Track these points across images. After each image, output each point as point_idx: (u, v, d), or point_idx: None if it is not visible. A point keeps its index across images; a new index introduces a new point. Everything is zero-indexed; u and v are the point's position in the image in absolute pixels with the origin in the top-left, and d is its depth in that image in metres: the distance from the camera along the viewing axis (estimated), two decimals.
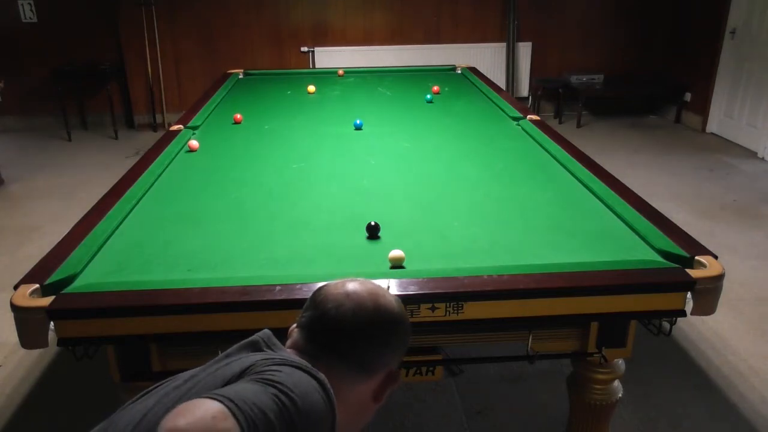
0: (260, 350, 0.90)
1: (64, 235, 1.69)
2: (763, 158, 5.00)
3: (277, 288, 1.38)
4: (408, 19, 5.97)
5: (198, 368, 0.90)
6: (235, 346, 0.92)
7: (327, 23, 5.93)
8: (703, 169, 4.79)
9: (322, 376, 0.85)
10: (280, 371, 0.81)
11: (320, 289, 0.98)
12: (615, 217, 1.81)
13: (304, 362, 0.86)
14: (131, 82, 5.92)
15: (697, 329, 2.71)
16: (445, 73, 4.26)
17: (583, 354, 1.63)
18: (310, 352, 0.92)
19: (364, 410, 0.97)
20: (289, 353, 0.91)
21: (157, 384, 0.90)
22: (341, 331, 0.92)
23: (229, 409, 0.70)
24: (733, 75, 5.39)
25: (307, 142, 2.64)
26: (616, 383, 1.75)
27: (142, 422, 0.80)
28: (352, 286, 0.96)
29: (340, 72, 4.16)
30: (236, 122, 2.88)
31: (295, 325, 0.99)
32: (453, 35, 6.04)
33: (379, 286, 1.00)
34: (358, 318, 0.92)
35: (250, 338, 0.93)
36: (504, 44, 6.06)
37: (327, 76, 4.12)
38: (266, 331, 0.95)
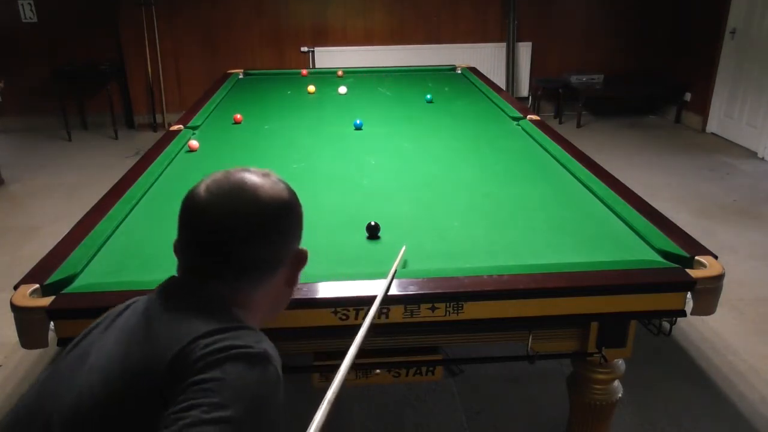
0: (157, 319, 0.84)
1: (64, 235, 1.69)
2: (763, 158, 5.00)
3: None
4: (408, 19, 5.97)
5: (87, 341, 0.89)
6: (123, 314, 0.91)
7: (327, 23, 5.93)
8: (703, 169, 4.79)
9: (262, 348, 0.80)
10: (222, 395, 0.73)
11: (185, 202, 0.91)
12: (615, 217, 1.81)
13: (237, 342, 0.79)
14: (131, 82, 5.92)
15: (697, 329, 2.71)
16: (445, 73, 4.26)
17: (583, 354, 1.63)
18: (203, 273, 0.88)
19: (281, 298, 0.96)
20: (193, 305, 0.85)
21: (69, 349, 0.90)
22: (224, 245, 0.86)
23: None
24: (733, 75, 5.39)
25: (307, 142, 2.64)
26: (616, 383, 1.75)
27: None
28: (213, 186, 0.88)
29: (340, 73, 4.15)
30: (236, 122, 2.88)
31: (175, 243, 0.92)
32: (453, 35, 6.03)
33: (240, 172, 0.91)
34: (236, 224, 0.86)
35: (141, 305, 0.90)
36: (504, 44, 6.06)
37: (326, 77, 4.12)
38: (167, 285, 0.91)
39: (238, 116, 2.92)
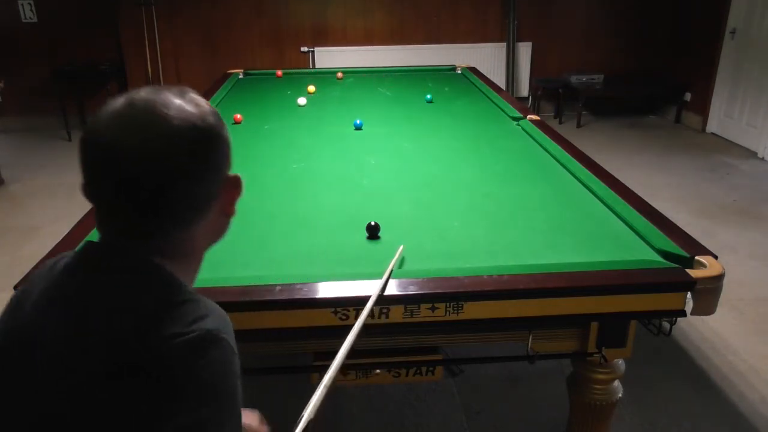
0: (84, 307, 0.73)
1: (64, 235, 1.69)
2: (763, 158, 5.00)
3: (277, 288, 1.38)
4: (408, 19, 5.97)
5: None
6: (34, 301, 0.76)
7: (327, 23, 5.93)
8: (703, 169, 4.79)
9: (203, 329, 0.72)
10: (189, 403, 0.69)
11: (84, 146, 0.74)
12: (615, 217, 1.81)
13: (179, 330, 0.70)
14: (131, 82, 5.91)
15: (697, 329, 2.71)
16: (445, 73, 4.25)
17: (583, 354, 1.63)
18: (125, 232, 0.76)
19: (217, 230, 0.86)
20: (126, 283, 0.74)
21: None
22: (145, 194, 0.72)
23: None
24: (733, 75, 5.39)
25: (307, 142, 2.64)
26: (616, 383, 1.75)
27: None
28: (117, 119, 0.73)
29: (339, 75, 4.05)
30: (236, 122, 2.88)
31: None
32: (453, 35, 6.04)
33: (146, 95, 0.75)
34: (156, 164, 0.71)
35: (56, 290, 0.76)
36: (504, 44, 6.06)
37: (326, 76, 4.12)
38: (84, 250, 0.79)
39: (238, 116, 2.92)
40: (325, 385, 0.92)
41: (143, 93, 0.75)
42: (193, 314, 0.73)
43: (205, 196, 0.77)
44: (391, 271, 1.41)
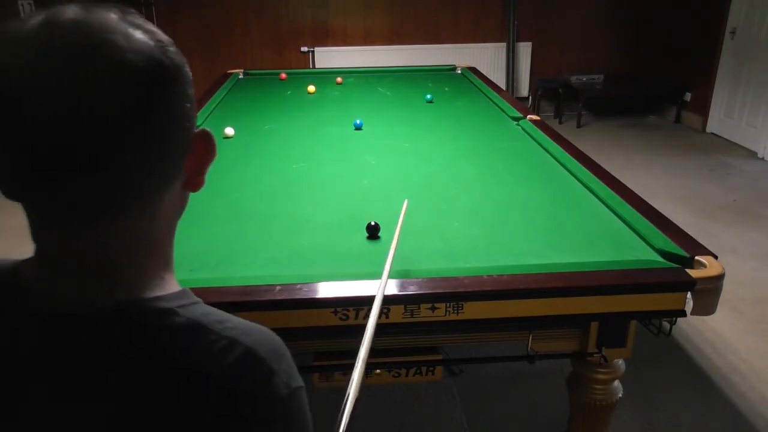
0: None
1: None
2: (763, 158, 5.00)
3: (277, 288, 1.38)
4: (408, 19, 5.97)
5: None
6: None
7: (327, 23, 5.93)
8: (703, 169, 4.79)
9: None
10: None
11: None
12: (615, 217, 1.81)
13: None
14: None
15: (697, 329, 2.71)
16: (445, 73, 4.25)
17: (583, 354, 1.63)
18: (61, 221, 0.54)
19: (180, 207, 0.64)
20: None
21: None
22: (88, 164, 0.49)
23: None
24: (733, 75, 5.39)
25: (307, 142, 2.64)
26: (616, 383, 1.75)
27: None
28: (32, 58, 0.48)
29: (339, 80, 3.89)
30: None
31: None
32: (453, 35, 6.04)
33: (76, 16, 0.50)
34: (96, 125, 0.48)
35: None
36: (504, 44, 6.07)
37: (327, 77, 4.11)
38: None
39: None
40: (355, 387, 0.83)
41: (68, 12, 0.50)
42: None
43: (173, 161, 0.56)
44: (399, 233, 1.39)
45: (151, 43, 0.52)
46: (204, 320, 0.57)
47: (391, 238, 1.39)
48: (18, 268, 0.60)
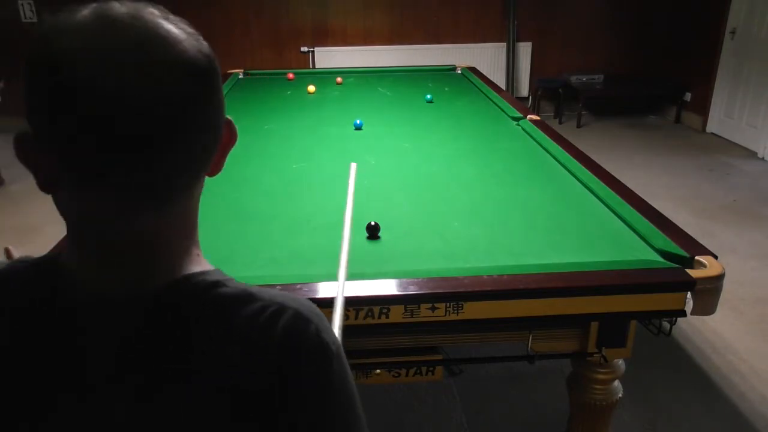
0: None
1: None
2: (763, 158, 5.00)
3: (277, 288, 1.38)
4: (408, 19, 5.97)
5: None
6: None
7: (327, 23, 5.93)
8: (703, 169, 4.79)
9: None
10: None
11: (51, 83, 0.58)
12: (615, 217, 1.81)
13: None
14: None
15: (697, 329, 2.71)
16: (445, 73, 4.25)
17: (583, 354, 1.63)
18: (122, 211, 0.58)
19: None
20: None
21: None
22: (156, 146, 0.54)
23: None
24: (733, 75, 5.39)
25: (307, 142, 2.64)
26: (616, 383, 1.75)
27: None
28: (110, 51, 0.52)
29: (339, 80, 3.91)
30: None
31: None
32: (453, 35, 6.04)
33: (138, 12, 0.55)
34: (161, 112, 0.53)
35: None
36: (504, 44, 6.07)
37: (327, 77, 4.11)
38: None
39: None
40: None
41: (121, 8, 0.54)
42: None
43: (213, 144, 0.61)
44: (353, 195, 1.41)
45: (193, 37, 0.57)
46: (251, 289, 0.62)
47: (391, 238, 1.39)
48: (55, 258, 0.64)
